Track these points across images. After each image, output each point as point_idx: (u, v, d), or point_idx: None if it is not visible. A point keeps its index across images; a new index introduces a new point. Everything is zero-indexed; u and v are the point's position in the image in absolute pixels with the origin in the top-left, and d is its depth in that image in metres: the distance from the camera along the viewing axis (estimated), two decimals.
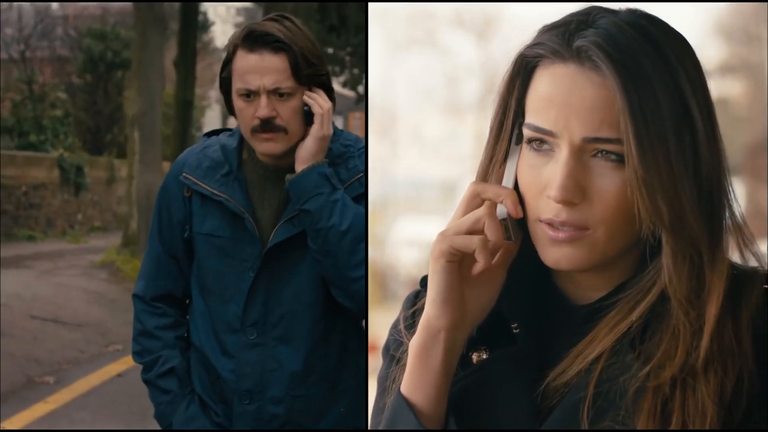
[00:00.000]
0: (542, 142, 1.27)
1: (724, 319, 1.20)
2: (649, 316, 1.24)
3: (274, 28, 2.00)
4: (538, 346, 1.31)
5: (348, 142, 2.10)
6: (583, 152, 1.23)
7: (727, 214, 1.26)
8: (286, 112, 1.99)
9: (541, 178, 1.26)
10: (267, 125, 1.98)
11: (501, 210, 1.29)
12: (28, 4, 22.98)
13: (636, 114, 1.20)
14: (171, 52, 15.45)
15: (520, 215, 1.28)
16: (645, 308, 1.25)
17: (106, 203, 17.96)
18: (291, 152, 2.02)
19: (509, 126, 1.33)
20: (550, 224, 1.25)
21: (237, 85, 2.01)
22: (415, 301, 1.44)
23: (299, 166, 2.00)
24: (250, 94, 1.99)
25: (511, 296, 1.33)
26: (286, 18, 2.05)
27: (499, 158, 1.34)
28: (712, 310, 1.20)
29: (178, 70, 13.38)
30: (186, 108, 13.18)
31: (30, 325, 7.98)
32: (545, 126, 1.25)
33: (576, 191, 1.23)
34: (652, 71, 1.22)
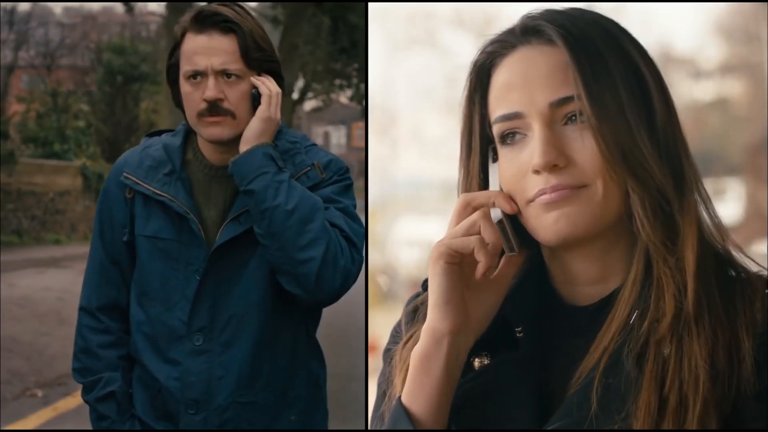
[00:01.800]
0: (514, 133, 1.28)
1: (711, 290, 1.21)
2: (644, 283, 1.25)
3: (223, 9, 1.97)
4: (540, 349, 1.31)
5: (294, 138, 2.06)
6: (554, 122, 1.25)
7: (689, 168, 1.28)
8: (234, 95, 1.94)
9: (522, 163, 1.28)
10: (214, 108, 1.93)
11: (495, 213, 1.29)
12: (54, 22, 24.07)
13: (584, 68, 1.24)
14: None
15: (515, 210, 1.29)
16: (636, 272, 1.25)
17: None
18: (237, 146, 1.96)
19: (477, 140, 1.35)
20: (543, 194, 1.25)
21: (185, 67, 1.95)
22: (416, 299, 1.43)
23: (243, 147, 1.94)
24: (197, 76, 1.93)
25: (515, 300, 1.33)
26: (236, 3, 2.01)
27: (474, 172, 1.36)
28: (689, 255, 1.22)
29: None
30: None
31: None
32: (511, 110, 1.28)
33: (557, 155, 1.24)
34: (596, 35, 1.27)
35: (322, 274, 1.89)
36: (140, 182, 2.02)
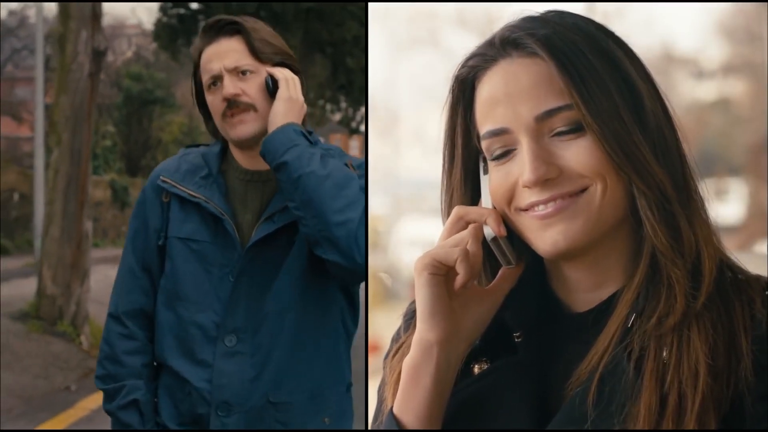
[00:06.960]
0: (503, 148, 1.27)
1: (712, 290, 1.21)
2: (647, 284, 1.24)
3: (225, 17, 2.04)
4: (538, 355, 1.30)
5: (329, 147, 2.05)
6: (541, 135, 1.24)
7: (686, 166, 1.27)
8: (251, 89, 1.99)
9: (512, 177, 1.26)
10: (234, 104, 1.97)
11: (489, 231, 1.28)
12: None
13: (573, 76, 1.22)
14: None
15: (504, 233, 1.28)
16: (641, 276, 1.24)
17: None
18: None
19: (460, 151, 1.34)
20: (537, 206, 1.24)
21: (203, 78, 2.02)
22: (413, 305, 1.42)
23: (271, 129, 1.95)
24: (216, 82, 1.99)
25: (514, 305, 1.32)
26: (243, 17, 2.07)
27: (455, 184, 1.35)
28: (705, 256, 1.22)
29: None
30: None
31: None
32: (496, 126, 1.26)
33: (547, 169, 1.23)
34: (578, 39, 1.25)
35: (359, 236, 1.86)
36: (176, 185, 2.05)
